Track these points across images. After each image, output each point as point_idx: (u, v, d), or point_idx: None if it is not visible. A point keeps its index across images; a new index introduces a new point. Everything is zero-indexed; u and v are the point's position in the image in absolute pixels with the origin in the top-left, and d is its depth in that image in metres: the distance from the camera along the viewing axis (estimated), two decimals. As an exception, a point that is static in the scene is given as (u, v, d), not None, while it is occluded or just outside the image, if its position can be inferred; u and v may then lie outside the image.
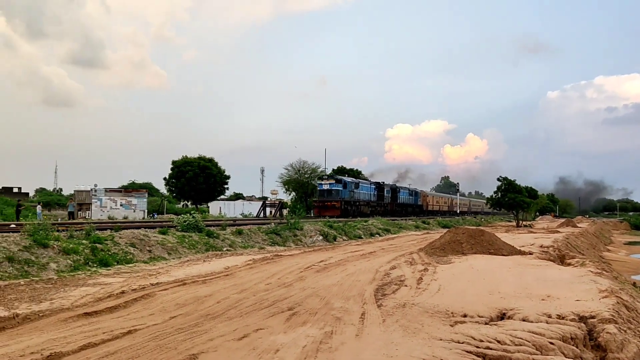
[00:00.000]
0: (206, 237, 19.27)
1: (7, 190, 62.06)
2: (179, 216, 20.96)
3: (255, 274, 13.11)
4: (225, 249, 18.94)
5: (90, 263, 13.35)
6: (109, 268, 13.33)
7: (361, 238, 29.79)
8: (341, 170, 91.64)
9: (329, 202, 44.96)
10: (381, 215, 50.04)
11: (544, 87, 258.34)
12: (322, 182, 46.98)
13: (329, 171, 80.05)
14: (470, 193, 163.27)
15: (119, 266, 13.75)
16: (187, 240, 18.10)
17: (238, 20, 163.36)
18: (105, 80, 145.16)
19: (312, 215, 45.67)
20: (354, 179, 51.96)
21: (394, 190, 62.66)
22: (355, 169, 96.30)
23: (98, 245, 14.36)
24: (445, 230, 26.63)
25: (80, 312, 8.16)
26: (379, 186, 57.31)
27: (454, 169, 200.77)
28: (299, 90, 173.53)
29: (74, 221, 27.48)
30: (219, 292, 10.23)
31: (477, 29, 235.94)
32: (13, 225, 18.26)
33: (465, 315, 8.30)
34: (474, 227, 23.48)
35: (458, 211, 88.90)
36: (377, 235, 32.48)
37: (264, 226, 24.56)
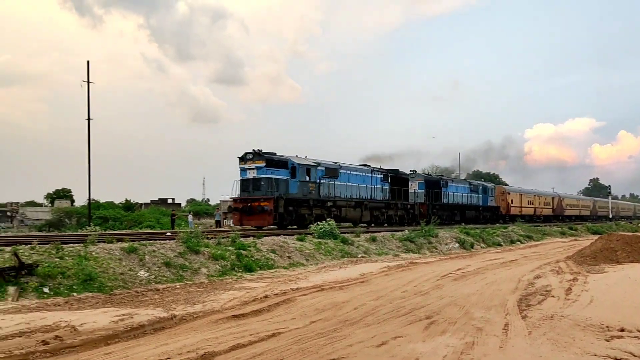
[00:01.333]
0: (341, 244, 19.63)
1: (163, 201, 68.15)
2: (315, 223, 21.59)
3: (391, 281, 13.10)
4: (360, 255, 19.14)
5: (236, 268, 14.22)
6: (252, 273, 14.11)
7: (500, 245, 28.45)
8: (477, 175, 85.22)
9: (255, 201, 24.60)
10: (400, 224, 33.67)
11: None
12: (245, 167, 25.62)
13: (463, 176, 75.50)
14: (623, 196, 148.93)
15: (262, 271, 14.49)
16: (323, 247, 18.58)
17: (368, 29, 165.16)
18: (246, 96, 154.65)
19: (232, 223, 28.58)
20: (320, 161, 28.95)
21: (433, 184, 40.15)
22: (492, 172, 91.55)
23: (242, 251, 15.25)
24: (595, 237, 24.53)
25: (229, 314, 8.73)
26: (395, 177, 34.87)
27: (603, 170, 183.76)
28: (432, 94, 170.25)
29: (221, 229, 29.47)
30: (356, 298, 10.37)
31: (627, 17, 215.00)
32: (169, 234, 19.99)
33: (622, 330, 7.57)
34: (631, 234, 21.35)
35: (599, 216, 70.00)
36: (518, 243, 30.84)
37: (398, 233, 24.44)
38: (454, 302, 10.04)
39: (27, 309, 8.78)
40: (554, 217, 61.36)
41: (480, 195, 46.84)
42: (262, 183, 24.88)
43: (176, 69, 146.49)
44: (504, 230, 33.49)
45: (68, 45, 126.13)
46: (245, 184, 25.59)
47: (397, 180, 35.10)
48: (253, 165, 25.32)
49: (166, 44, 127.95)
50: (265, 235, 18.23)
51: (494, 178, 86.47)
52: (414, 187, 38.32)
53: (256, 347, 6.64)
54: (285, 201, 25.24)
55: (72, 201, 62.65)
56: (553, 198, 64.14)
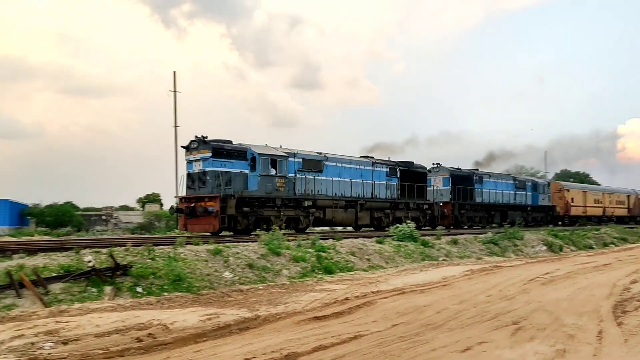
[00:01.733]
0: (421, 247, 19.36)
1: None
2: (394, 226, 21.40)
3: (474, 284, 12.77)
4: (441, 258, 18.80)
5: (316, 270, 14.39)
6: (332, 275, 14.22)
7: (592, 248, 26.98)
8: (565, 174, 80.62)
9: (200, 200, 20.04)
10: (419, 225, 25.85)
11: None
12: (190, 158, 21.11)
13: (550, 176, 71.26)
14: None
15: (341, 274, 14.57)
16: (402, 249, 18.40)
17: (447, 27, 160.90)
18: (323, 100, 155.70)
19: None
20: (297, 150, 23.51)
21: (463, 179, 33.50)
22: (581, 171, 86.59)
23: (322, 253, 15.41)
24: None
25: (310, 315, 8.84)
26: (407, 171, 28.93)
27: None
28: (514, 90, 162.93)
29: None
30: (438, 302, 10.19)
31: None
32: (252, 235, 20.48)
33: None
34: None
35: None
36: (611, 245, 29.12)
37: (481, 236, 23.76)
38: (543, 307, 9.63)
39: (122, 308, 9.34)
40: (630, 219, 50.98)
41: (529, 193, 39.48)
42: (208, 177, 20.17)
43: (255, 76, 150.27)
44: (595, 232, 31.74)
45: (155, 57, 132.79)
46: (190, 179, 21.05)
47: (409, 174, 29.03)
48: (198, 156, 20.71)
49: (246, 51, 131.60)
50: (345, 238, 18.29)
51: (583, 177, 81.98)
52: (437, 183, 32.66)
53: (338, 349, 6.68)
54: (238, 200, 20.13)
55: (161, 205, 65.71)
56: (629, 196, 53.18)
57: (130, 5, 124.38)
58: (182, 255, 12.51)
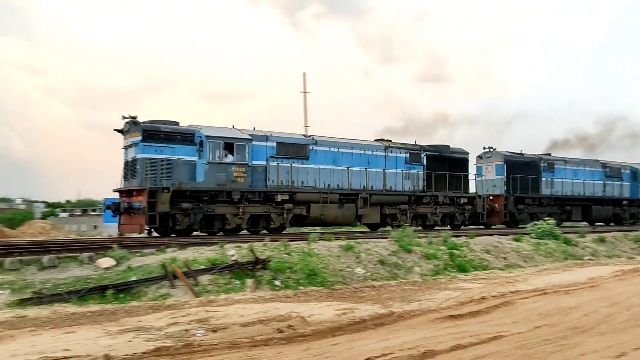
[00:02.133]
0: (564, 245, 18.15)
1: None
2: (532, 223, 20.25)
3: (626, 286, 11.75)
4: (586, 258, 17.49)
5: (448, 268, 14.08)
6: (466, 273, 13.84)
7: None
8: None
9: (131, 194, 16.96)
10: (451, 225, 23.27)
11: None
12: (125, 143, 17.63)
13: None
14: None
15: (476, 272, 14.12)
16: (542, 248, 17.40)
17: (588, 9, 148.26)
18: (451, 93, 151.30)
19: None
20: (270, 132, 19.20)
21: (523, 167, 26.87)
22: None
23: (455, 251, 15.02)
24: None
25: (445, 314, 8.68)
26: (438, 157, 23.56)
27: None
28: None
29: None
30: (585, 304, 9.51)
31: None
32: (379, 232, 20.56)
33: None
34: None
35: None
36: None
37: (631, 233, 21.71)
38: None
39: (263, 300, 9.87)
40: None
41: (626, 183, 31.51)
42: (138, 166, 16.52)
43: (381, 72, 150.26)
44: None
45: (285, 59, 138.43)
46: (125, 168, 17.48)
47: (441, 161, 23.49)
48: (130, 141, 17.09)
49: (371, 48, 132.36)
50: (478, 236, 17.69)
51: None
52: (488, 172, 26.87)
53: (477, 349, 6.49)
54: (174, 193, 16.33)
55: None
56: None
57: (263, 12, 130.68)
58: (315, 250, 12.90)
